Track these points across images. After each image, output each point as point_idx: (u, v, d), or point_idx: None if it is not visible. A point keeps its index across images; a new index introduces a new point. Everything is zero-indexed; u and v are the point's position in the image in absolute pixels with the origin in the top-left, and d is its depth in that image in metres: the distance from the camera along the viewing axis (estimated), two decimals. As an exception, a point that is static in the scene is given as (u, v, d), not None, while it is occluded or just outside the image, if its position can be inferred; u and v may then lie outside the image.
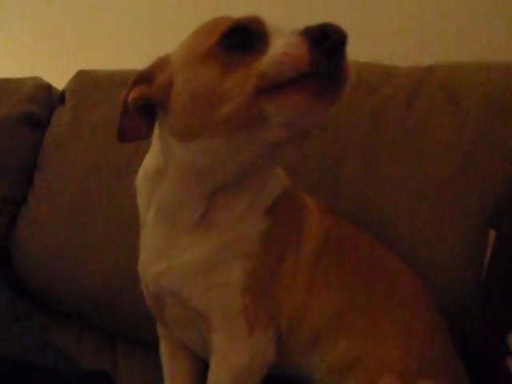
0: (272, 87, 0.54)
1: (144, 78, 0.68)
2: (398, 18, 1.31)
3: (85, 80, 1.33)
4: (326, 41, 0.52)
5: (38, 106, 1.35)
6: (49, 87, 1.42)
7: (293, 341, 0.75)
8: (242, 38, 0.58)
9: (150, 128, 0.72)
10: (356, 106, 1.01)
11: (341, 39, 0.53)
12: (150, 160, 0.75)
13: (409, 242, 0.91)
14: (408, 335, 0.75)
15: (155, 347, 1.02)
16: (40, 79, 1.43)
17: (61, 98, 1.37)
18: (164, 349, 0.91)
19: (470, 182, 0.90)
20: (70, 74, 1.37)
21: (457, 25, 1.24)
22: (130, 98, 0.67)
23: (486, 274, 0.83)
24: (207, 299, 0.71)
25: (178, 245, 0.73)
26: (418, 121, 0.96)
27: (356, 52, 1.23)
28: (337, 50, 0.53)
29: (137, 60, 1.35)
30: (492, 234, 0.84)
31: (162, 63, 0.67)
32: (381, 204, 0.94)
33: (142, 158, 0.77)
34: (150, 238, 0.77)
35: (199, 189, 0.69)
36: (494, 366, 0.78)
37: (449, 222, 0.90)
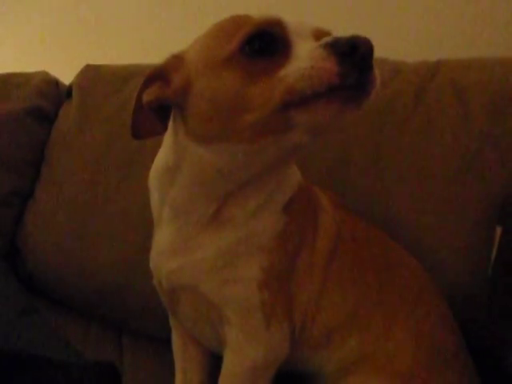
0: (301, 100, 0.54)
1: (157, 76, 0.66)
2: (405, 13, 1.31)
3: (92, 74, 1.34)
4: (354, 54, 0.52)
5: (45, 100, 1.36)
6: (56, 82, 1.42)
7: (305, 336, 0.75)
8: (264, 44, 0.57)
9: (165, 125, 0.71)
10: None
11: (368, 52, 0.53)
12: (162, 158, 0.74)
13: (415, 238, 0.91)
14: (419, 331, 0.76)
15: (161, 340, 1.03)
16: (47, 74, 1.43)
17: (68, 92, 1.37)
18: (176, 339, 0.91)
19: (477, 179, 0.90)
20: (76, 68, 1.38)
21: (465, 20, 1.23)
22: (145, 99, 0.67)
23: (492, 270, 0.83)
24: (224, 293, 0.71)
25: (192, 242, 0.73)
26: (425, 117, 0.96)
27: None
28: (365, 62, 0.53)
29: (144, 54, 1.36)
30: (499, 230, 0.84)
31: (176, 62, 0.65)
32: (387, 200, 0.94)
33: (149, 152, 0.77)
34: (163, 235, 0.77)
35: (215, 188, 0.69)
36: (499, 362, 0.78)
37: (455, 218, 0.90)
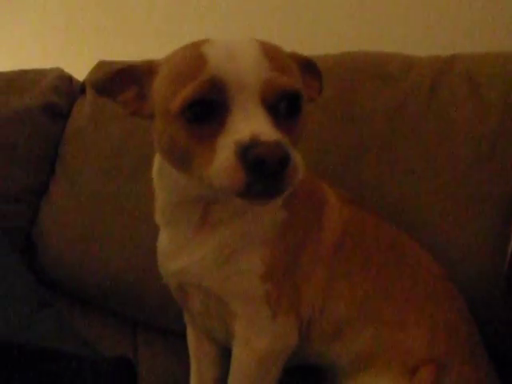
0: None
1: (133, 79, 0.68)
2: (418, 7, 1.30)
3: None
4: (261, 167, 0.54)
5: (59, 96, 1.37)
6: (70, 78, 1.43)
7: (315, 329, 0.76)
8: (203, 110, 0.59)
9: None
10: (377, 97, 1.00)
11: (275, 168, 0.54)
12: (155, 162, 0.77)
13: (430, 232, 0.91)
14: (433, 323, 0.76)
15: (176, 335, 1.03)
16: (61, 70, 1.44)
17: (81, 88, 1.38)
18: (191, 335, 0.92)
19: (492, 173, 0.90)
20: (89, 65, 1.38)
21: (479, 13, 1.22)
22: (121, 101, 0.70)
23: (508, 264, 0.83)
24: (228, 288, 0.73)
25: (188, 244, 0.75)
26: (439, 111, 0.96)
27: (376, 42, 1.23)
28: (272, 173, 0.55)
29: (156, 50, 1.36)
30: (515, 225, 0.83)
31: (150, 73, 0.67)
32: (402, 195, 0.94)
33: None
34: (163, 237, 0.80)
35: (192, 198, 0.72)
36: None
37: (470, 212, 0.89)
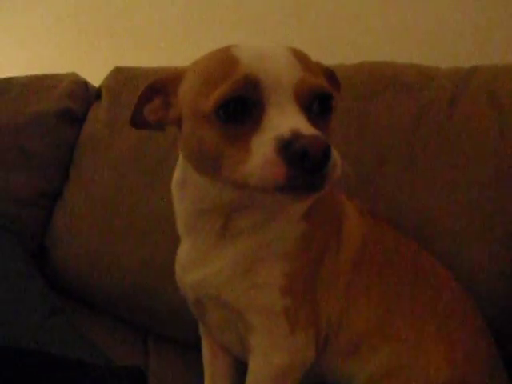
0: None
1: (160, 88, 0.70)
2: (438, 18, 1.28)
3: (121, 77, 1.34)
4: (304, 161, 0.53)
5: (75, 102, 1.37)
6: (85, 84, 1.44)
7: (332, 345, 0.75)
8: (237, 109, 0.58)
9: (162, 128, 0.74)
10: (396, 108, 0.99)
11: (319, 158, 0.54)
12: (176, 172, 0.77)
13: (449, 246, 0.90)
14: (452, 344, 0.74)
15: (187, 344, 1.02)
16: (77, 75, 1.45)
17: (97, 94, 1.38)
18: (206, 348, 0.92)
19: (513, 188, 0.88)
20: (106, 70, 1.39)
21: (501, 25, 1.21)
22: (146, 114, 0.71)
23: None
24: (247, 300, 0.72)
25: (209, 254, 0.74)
26: (459, 124, 0.95)
27: (395, 53, 1.22)
28: (314, 167, 0.54)
29: (173, 57, 1.36)
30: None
31: (175, 80, 0.68)
32: (421, 208, 0.93)
33: (177, 156, 0.78)
34: (183, 249, 0.80)
35: (215, 206, 0.71)
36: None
37: (491, 226, 0.88)
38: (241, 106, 0.58)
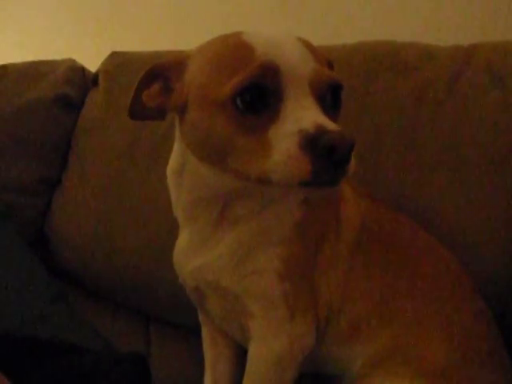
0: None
1: (159, 73, 0.67)
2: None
3: (118, 61, 1.33)
4: (330, 156, 0.53)
5: (72, 87, 1.36)
6: (82, 69, 1.42)
7: (332, 329, 0.75)
8: (255, 98, 0.57)
9: (162, 115, 0.71)
10: (395, 87, 0.98)
11: (346, 154, 0.54)
12: (172, 160, 0.76)
13: (450, 228, 0.89)
14: (451, 326, 0.74)
15: (189, 328, 1.03)
16: (73, 61, 1.43)
17: (94, 79, 1.37)
18: (205, 335, 0.92)
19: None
20: (102, 56, 1.37)
21: (502, 2, 1.18)
22: (145, 100, 0.68)
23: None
24: (245, 286, 0.71)
25: (207, 242, 0.74)
26: (460, 103, 0.93)
27: (392, 31, 1.20)
28: (340, 162, 0.54)
29: (169, 41, 1.35)
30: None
31: (179, 68, 0.66)
32: (421, 190, 0.92)
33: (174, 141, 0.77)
34: (182, 236, 0.79)
35: (213, 193, 0.70)
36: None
37: (493, 208, 0.87)
38: (259, 94, 0.57)
